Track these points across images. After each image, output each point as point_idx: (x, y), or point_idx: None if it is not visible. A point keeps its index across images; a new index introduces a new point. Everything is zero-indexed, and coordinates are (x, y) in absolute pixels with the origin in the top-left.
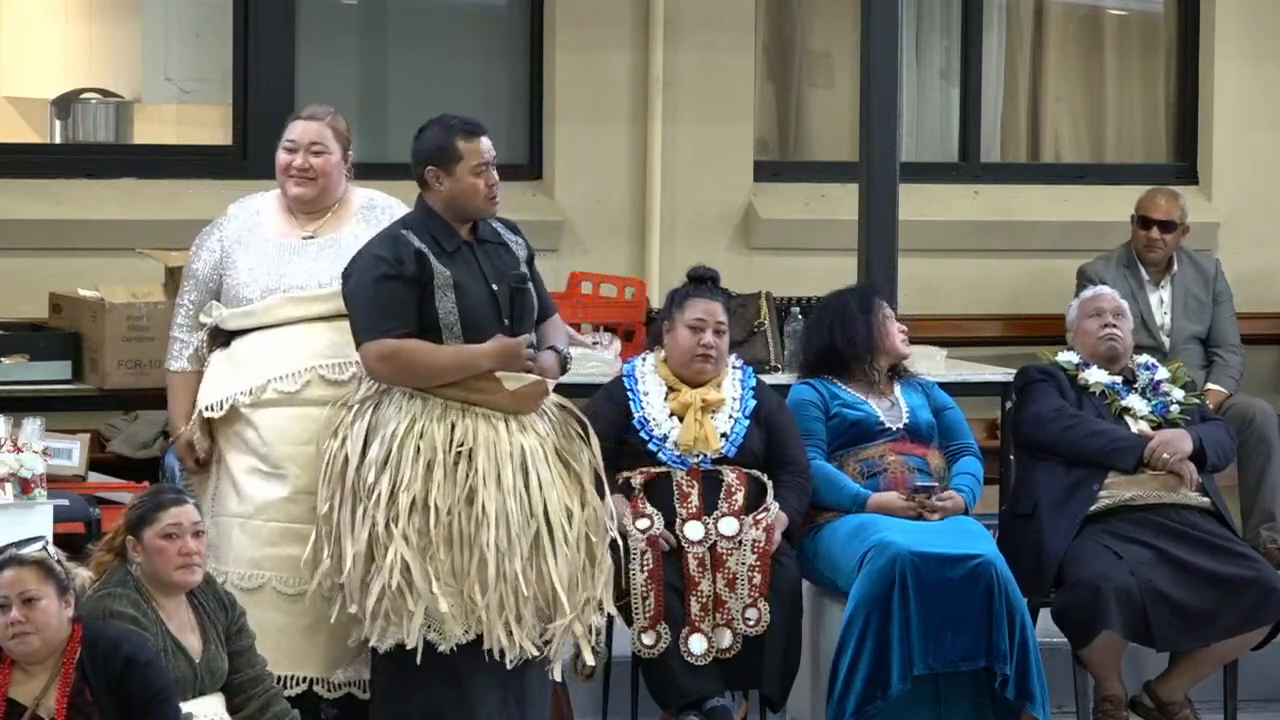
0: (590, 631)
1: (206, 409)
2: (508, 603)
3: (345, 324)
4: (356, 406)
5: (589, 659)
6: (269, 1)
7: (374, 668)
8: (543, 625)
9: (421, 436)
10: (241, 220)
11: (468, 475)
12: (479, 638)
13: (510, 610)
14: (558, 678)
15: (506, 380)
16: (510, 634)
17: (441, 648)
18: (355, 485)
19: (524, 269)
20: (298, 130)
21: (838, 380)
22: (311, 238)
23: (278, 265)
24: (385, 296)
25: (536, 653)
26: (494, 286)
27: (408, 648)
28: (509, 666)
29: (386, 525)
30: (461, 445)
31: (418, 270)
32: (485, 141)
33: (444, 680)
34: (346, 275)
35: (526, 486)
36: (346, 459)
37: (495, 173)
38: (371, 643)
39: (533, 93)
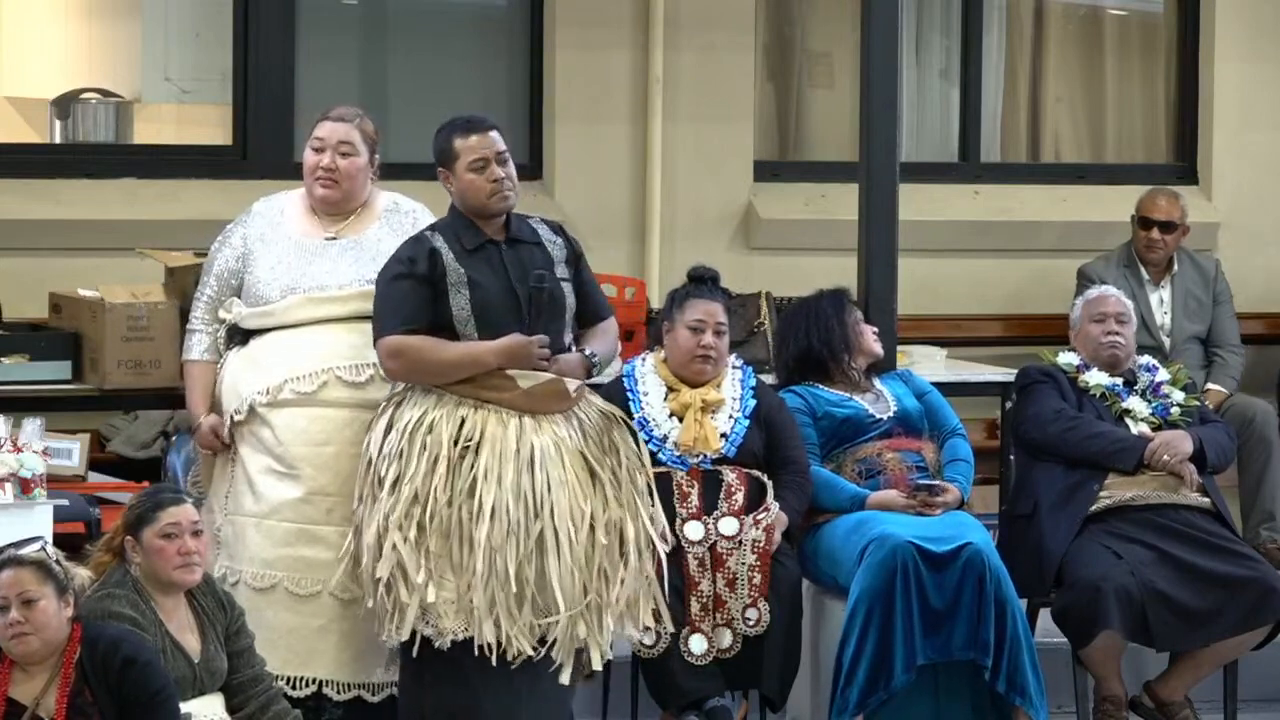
0: (600, 635)
1: (235, 413)
2: (499, 598)
3: (364, 326)
4: (382, 405)
5: (596, 663)
6: (269, 1)
7: (400, 665)
8: (542, 626)
9: (430, 431)
10: (266, 218)
11: (471, 470)
12: None
13: (501, 607)
14: (565, 681)
15: (521, 379)
16: (500, 630)
17: (438, 643)
18: (372, 480)
19: (557, 269)
20: (326, 129)
21: (820, 383)
22: (334, 239)
23: (299, 265)
24: (397, 295)
25: (532, 652)
26: (517, 286)
27: (401, 640)
28: (510, 665)
29: (387, 516)
30: (469, 441)
31: (429, 268)
32: (481, 138)
33: (456, 679)
34: (377, 280)
35: (533, 486)
36: (370, 456)
37: (500, 168)
38: (381, 637)
39: (533, 93)
